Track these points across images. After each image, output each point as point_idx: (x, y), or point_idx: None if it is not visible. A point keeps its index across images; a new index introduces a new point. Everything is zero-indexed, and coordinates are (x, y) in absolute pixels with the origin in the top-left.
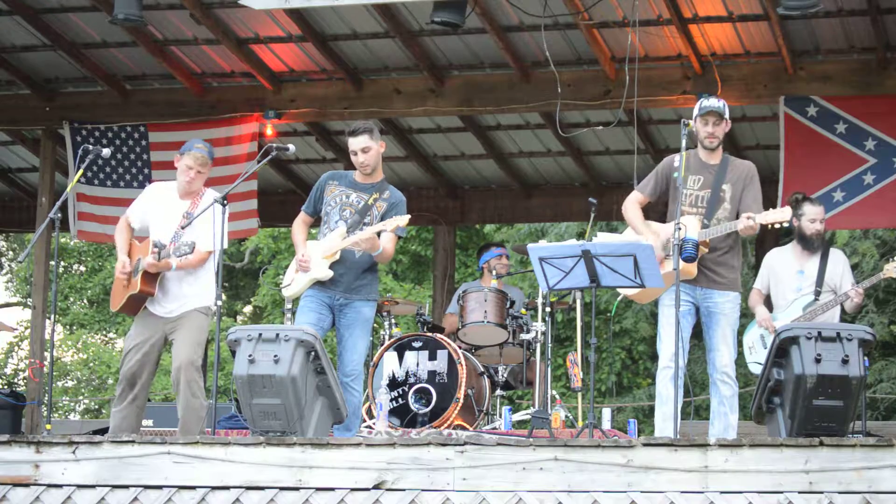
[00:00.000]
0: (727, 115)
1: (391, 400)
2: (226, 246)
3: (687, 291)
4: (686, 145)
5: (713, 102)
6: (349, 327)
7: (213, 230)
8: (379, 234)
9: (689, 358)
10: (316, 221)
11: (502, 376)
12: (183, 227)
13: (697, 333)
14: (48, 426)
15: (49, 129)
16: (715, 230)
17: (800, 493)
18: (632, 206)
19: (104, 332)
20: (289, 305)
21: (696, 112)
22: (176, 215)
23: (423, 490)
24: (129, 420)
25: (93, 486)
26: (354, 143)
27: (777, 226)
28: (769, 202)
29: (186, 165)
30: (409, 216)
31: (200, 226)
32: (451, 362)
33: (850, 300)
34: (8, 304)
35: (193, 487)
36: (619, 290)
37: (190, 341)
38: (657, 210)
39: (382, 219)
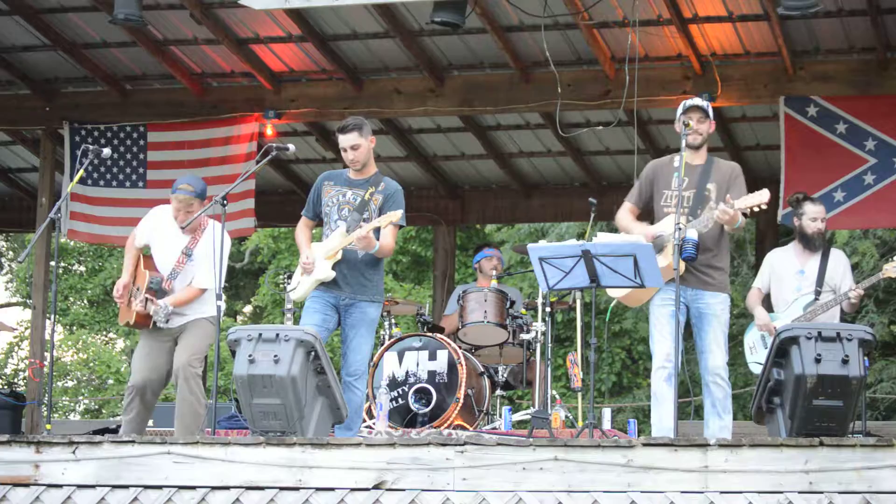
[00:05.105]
0: (711, 114)
1: (391, 400)
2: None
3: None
4: (683, 147)
5: (696, 100)
6: (354, 327)
7: (213, 260)
8: (378, 230)
9: (687, 357)
10: (319, 223)
11: (502, 376)
12: (180, 263)
13: (689, 335)
14: (48, 426)
15: (49, 129)
16: (695, 223)
17: (800, 493)
18: (624, 215)
19: (104, 332)
20: (289, 305)
21: (679, 112)
22: (175, 250)
23: (423, 490)
24: (136, 426)
25: (93, 486)
26: (344, 141)
27: (758, 209)
28: (770, 203)
29: (174, 207)
30: (401, 210)
31: (201, 260)
32: (451, 362)
33: (848, 301)
34: (8, 304)
35: (193, 487)
36: (610, 294)
37: (192, 344)
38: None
39: (381, 212)
